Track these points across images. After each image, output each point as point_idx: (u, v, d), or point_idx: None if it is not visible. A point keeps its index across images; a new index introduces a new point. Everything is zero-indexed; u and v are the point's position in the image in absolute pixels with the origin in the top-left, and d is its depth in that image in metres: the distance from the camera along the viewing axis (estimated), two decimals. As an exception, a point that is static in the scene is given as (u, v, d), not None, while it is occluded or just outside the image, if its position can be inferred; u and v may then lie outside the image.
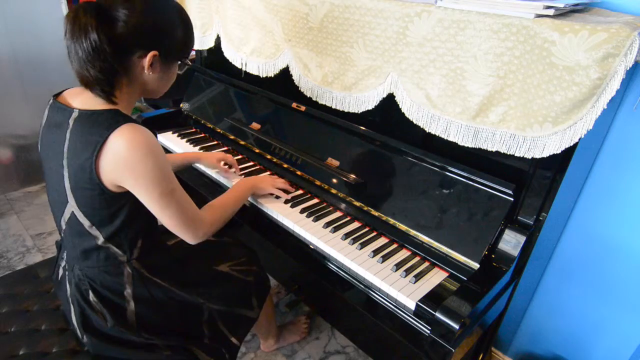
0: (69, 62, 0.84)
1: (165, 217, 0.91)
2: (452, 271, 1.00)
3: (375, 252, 1.05)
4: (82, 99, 0.89)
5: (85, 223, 0.90)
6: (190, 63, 0.98)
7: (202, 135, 1.65)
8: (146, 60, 0.86)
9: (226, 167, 1.40)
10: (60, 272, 1.06)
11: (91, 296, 0.97)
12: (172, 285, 1.03)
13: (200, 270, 1.13)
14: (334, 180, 1.25)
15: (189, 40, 0.96)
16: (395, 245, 1.09)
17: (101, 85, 0.85)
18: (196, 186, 1.42)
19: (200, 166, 1.41)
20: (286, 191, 1.28)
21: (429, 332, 0.87)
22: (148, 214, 0.92)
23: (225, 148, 1.55)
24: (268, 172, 1.40)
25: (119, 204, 0.89)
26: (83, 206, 0.88)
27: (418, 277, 0.97)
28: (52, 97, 0.94)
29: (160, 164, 0.85)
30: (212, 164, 1.38)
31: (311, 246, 1.11)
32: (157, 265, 1.02)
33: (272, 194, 1.25)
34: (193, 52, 2.03)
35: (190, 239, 0.97)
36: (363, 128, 1.23)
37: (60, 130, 0.87)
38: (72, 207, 0.89)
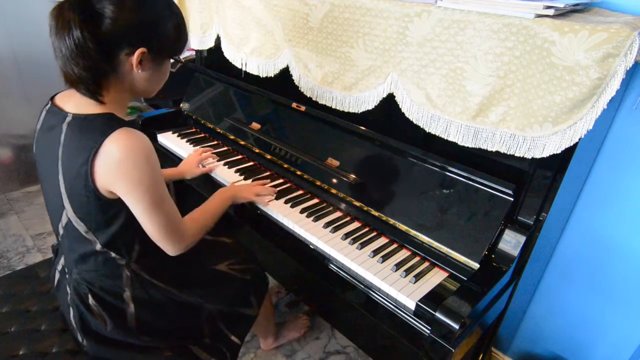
0: None
1: (151, 226, 0.88)
2: (452, 271, 1.00)
3: (375, 252, 1.05)
4: (74, 102, 0.87)
5: (82, 229, 0.89)
6: (182, 60, 0.96)
7: (202, 135, 1.65)
8: (134, 58, 0.83)
9: (208, 164, 1.40)
10: (57, 275, 1.05)
11: (90, 300, 0.96)
12: (171, 287, 1.03)
13: (199, 271, 1.13)
14: (334, 180, 1.25)
15: (180, 36, 0.91)
16: (395, 245, 1.09)
17: (86, 83, 0.82)
18: (197, 186, 1.42)
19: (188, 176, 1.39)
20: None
21: (429, 332, 0.87)
22: None
23: (225, 148, 1.55)
24: (268, 172, 1.40)
25: (115, 210, 0.87)
26: (79, 212, 0.87)
27: (418, 277, 0.97)
28: (49, 99, 0.92)
29: (154, 171, 0.83)
30: (194, 171, 1.37)
31: (311, 246, 1.10)
32: (155, 267, 1.02)
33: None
34: (192, 52, 2.03)
35: (170, 250, 0.94)
36: (363, 128, 1.23)
37: (54, 134, 0.86)
38: (68, 212, 0.88)
